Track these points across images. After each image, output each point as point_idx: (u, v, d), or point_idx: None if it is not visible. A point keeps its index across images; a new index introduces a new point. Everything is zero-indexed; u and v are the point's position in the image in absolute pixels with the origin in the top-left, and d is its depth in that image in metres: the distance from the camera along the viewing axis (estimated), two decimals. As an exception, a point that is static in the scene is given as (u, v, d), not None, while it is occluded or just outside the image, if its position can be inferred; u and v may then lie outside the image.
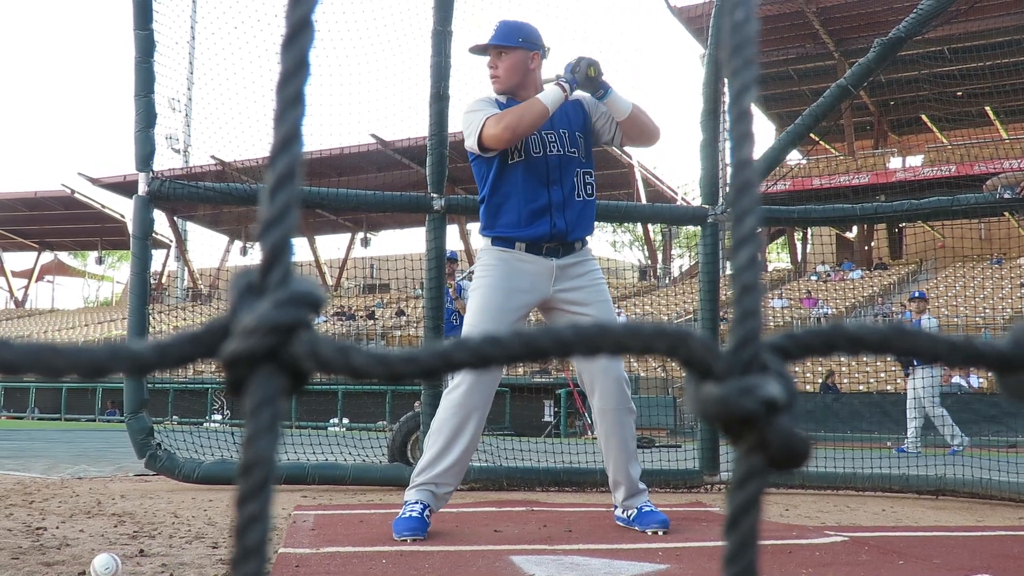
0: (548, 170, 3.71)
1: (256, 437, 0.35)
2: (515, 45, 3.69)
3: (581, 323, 0.39)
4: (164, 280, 44.90)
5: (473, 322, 3.65)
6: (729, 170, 0.41)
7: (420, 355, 0.37)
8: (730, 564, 0.37)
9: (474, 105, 3.69)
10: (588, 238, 3.87)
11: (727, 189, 6.09)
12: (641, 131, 3.77)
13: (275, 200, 0.36)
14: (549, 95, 3.59)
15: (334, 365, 0.37)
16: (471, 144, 3.64)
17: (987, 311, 25.12)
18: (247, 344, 0.36)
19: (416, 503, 3.51)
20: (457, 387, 3.58)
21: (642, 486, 3.80)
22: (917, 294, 14.95)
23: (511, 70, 3.70)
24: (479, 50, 3.77)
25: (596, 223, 4.00)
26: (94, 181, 39.12)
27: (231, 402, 23.80)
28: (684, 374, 0.39)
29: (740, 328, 0.38)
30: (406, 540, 3.32)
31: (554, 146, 3.72)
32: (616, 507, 3.85)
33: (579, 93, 3.78)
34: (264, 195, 0.37)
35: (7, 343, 0.34)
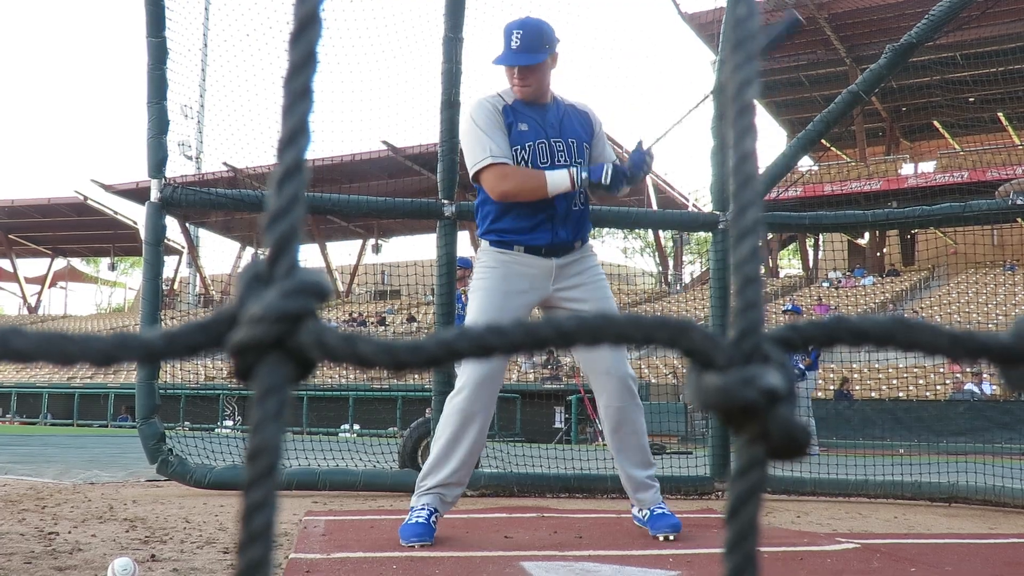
0: None
1: (263, 424, 0.36)
2: (545, 58, 3.59)
3: (583, 314, 0.39)
4: (176, 286, 45.14)
5: (471, 323, 3.64)
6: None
7: (425, 344, 0.38)
8: (730, 554, 0.38)
9: (476, 123, 3.57)
10: (588, 236, 3.84)
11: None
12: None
13: (282, 192, 0.37)
14: (558, 184, 3.51)
15: (340, 353, 0.37)
16: (470, 172, 3.61)
17: (1000, 317, 24.98)
18: (254, 332, 0.36)
19: (423, 508, 3.50)
20: (459, 392, 3.54)
21: (654, 483, 3.75)
22: (790, 307, 14.79)
23: (543, 81, 3.63)
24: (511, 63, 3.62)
25: (607, 230, 3.97)
26: (107, 188, 39.37)
27: (242, 408, 23.88)
28: (686, 365, 0.40)
29: (742, 319, 0.38)
30: (414, 546, 3.32)
31: (562, 156, 3.64)
32: (633, 505, 3.81)
33: (586, 107, 3.78)
34: (271, 187, 0.37)
35: (20, 331, 0.35)
